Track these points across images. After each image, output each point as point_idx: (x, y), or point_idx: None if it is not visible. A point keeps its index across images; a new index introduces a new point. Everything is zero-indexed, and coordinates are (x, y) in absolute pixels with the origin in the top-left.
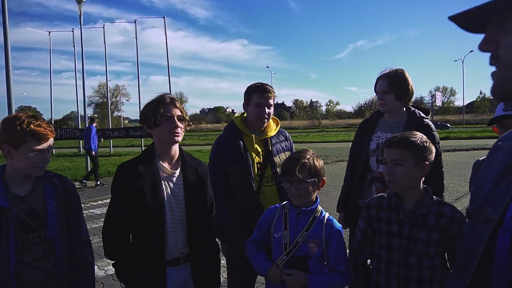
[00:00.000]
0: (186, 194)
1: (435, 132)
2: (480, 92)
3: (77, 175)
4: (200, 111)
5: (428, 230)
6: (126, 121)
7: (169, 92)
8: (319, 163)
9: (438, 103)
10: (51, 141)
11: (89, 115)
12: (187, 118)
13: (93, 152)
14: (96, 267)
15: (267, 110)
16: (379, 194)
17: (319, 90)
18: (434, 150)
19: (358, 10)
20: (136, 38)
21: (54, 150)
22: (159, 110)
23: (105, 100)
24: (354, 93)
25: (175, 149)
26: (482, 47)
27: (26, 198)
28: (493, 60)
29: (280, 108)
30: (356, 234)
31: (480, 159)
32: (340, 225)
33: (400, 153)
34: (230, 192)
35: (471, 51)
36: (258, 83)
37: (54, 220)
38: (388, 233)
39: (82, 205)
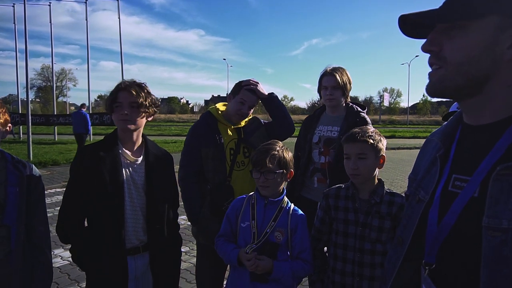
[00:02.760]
0: (147, 182)
1: (370, 125)
2: (423, 95)
3: None
4: None
5: (381, 218)
6: (72, 107)
7: (134, 79)
8: (288, 155)
9: (386, 103)
10: None
11: (31, 99)
12: (147, 103)
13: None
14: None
15: (247, 110)
16: (337, 185)
17: (274, 85)
18: (385, 142)
19: (314, 9)
20: (86, 19)
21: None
22: (114, 97)
23: (49, 84)
24: (308, 90)
25: (137, 136)
26: (426, 48)
27: None
28: (436, 60)
29: None
30: (314, 222)
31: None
32: (304, 214)
33: (363, 147)
34: (202, 175)
35: (417, 56)
36: (248, 80)
37: (13, 206)
38: (345, 221)
39: None
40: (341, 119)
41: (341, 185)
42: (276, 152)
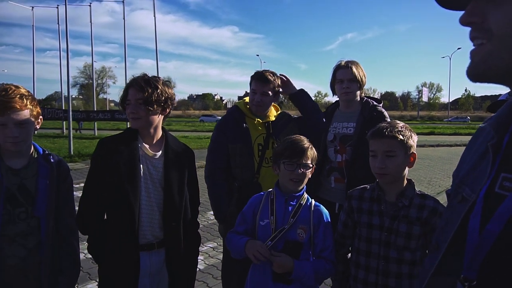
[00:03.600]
0: (165, 177)
1: (387, 119)
2: (465, 90)
3: (60, 155)
4: (188, 97)
5: (409, 223)
6: (112, 104)
7: (146, 73)
8: (314, 151)
9: (425, 98)
10: (18, 114)
11: (72, 95)
12: (154, 98)
13: None
14: None
15: (260, 97)
16: (361, 186)
17: (308, 81)
18: (416, 138)
19: (349, 3)
20: (124, 19)
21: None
22: (124, 94)
23: (91, 81)
24: None
25: (155, 131)
26: (466, 19)
27: (19, 172)
28: (479, 33)
29: None
30: (338, 226)
31: None
32: (327, 211)
33: (392, 144)
34: (229, 172)
35: (459, 48)
36: (259, 70)
37: (43, 198)
38: (369, 225)
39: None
40: (356, 115)
41: (366, 185)
42: (311, 146)
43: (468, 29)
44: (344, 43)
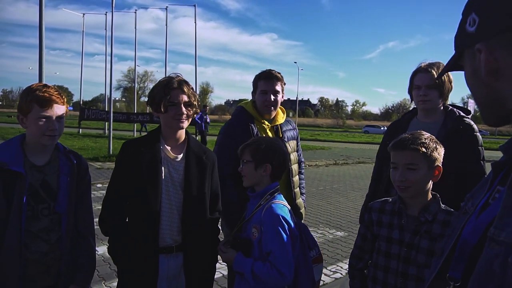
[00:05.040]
0: (186, 180)
1: (477, 134)
2: None
3: (99, 154)
4: (225, 102)
5: (432, 239)
6: None
7: (179, 74)
8: (270, 149)
9: (471, 110)
10: (59, 108)
11: (116, 98)
12: (196, 102)
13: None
14: None
15: (272, 97)
16: (383, 198)
17: (345, 90)
18: (443, 151)
19: (391, 11)
20: (166, 25)
21: (81, 130)
22: (166, 96)
23: (133, 84)
24: (382, 94)
25: (181, 133)
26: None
27: (42, 168)
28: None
29: (305, 105)
30: (356, 239)
31: None
32: (282, 213)
33: (413, 156)
34: (239, 178)
35: None
36: (265, 70)
37: (64, 195)
38: (388, 239)
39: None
40: (437, 126)
41: (388, 198)
42: (257, 146)
43: None
44: (385, 51)
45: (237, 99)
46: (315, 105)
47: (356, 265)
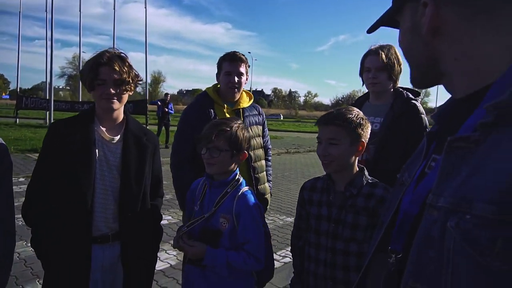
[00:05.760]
0: (123, 163)
1: (423, 115)
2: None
3: (39, 146)
4: (177, 92)
5: (356, 213)
6: None
7: (116, 49)
8: (243, 134)
9: (420, 92)
10: None
11: (60, 86)
12: (132, 79)
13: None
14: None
15: (236, 78)
16: (316, 177)
17: (298, 81)
18: (369, 126)
19: (342, 5)
20: (114, 9)
21: (18, 120)
22: (95, 73)
23: (78, 72)
24: (333, 86)
25: (118, 114)
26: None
27: None
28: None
29: (259, 95)
30: (294, 218)
31: None
32: (256, 202)
33: (335, 131)
34: (197, 163)
35: None
36: (230, 51)
37: None
38: (318, 216)
39: None
40: (386, 108)
41: (319, 176)
42: (228, 129)
43: None
44: (336, 44)
45: (191, 89)
46: (268, 95)
47: (296, 244)
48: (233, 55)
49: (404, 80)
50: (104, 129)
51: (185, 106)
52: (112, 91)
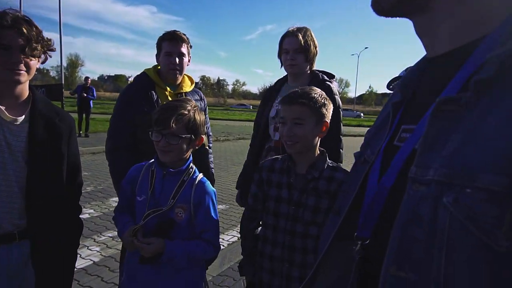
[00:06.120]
0: (30, 149)
1: (336, 96)
2: (370, 87)
3: None
4: (98, 78)
5: (318, 196)
6: None
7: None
8: (200, 117)
9: (335, 92)
10: None
11: None
12: (42, 48)
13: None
14: None
15: (177, 59)
16: (274, 157)
17: (227, 69)
18: (332, 107)
19: None
20: None
21: None
22: None
23: None
24: (260, 75)
25: (22, 89)
26: None
27: None
28: None
29: None
30: (248, 199)
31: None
32: (215, 189)
33: (301, 111)
34: (136, 149)
35: (366, 48)
36: (170, 30)
37: None
38: (277, 198)
39: None
40: None
41: (278, 156)
42: (186, 112)
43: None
44: (264, 34)
45: (113, 75)
46: (197, 83)
47: (248, 226)
48: (173, 34)
49: (319, 63)
50: (3, 107)
51: (106, 93)
52: (19, 60)
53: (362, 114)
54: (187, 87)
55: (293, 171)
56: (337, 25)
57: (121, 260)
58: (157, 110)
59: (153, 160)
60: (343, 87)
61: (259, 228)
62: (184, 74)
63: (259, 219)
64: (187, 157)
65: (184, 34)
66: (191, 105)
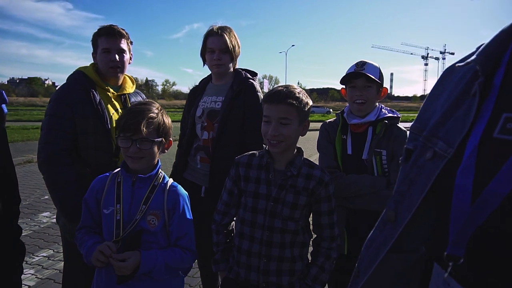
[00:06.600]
0: None
1: (259, 93)
2: (298, 83)
3: None
4: (8, 81)
5: (296, 193)
6: None
7: None
8: (168, 120)
9: (265, 89)
10: None
11: None
12: None
13: None
14: None
15: (117, 56)
16: (250, 152)
17: (155, 69)
18: (311, 103)
19: None
20: None
21: None
22: None
23: None
24: (191, 74)
25: None
26: None
27: None
28: None
29: None
30: (222, 194)
31: (328, 121)
32: (186, 192)
33: (288, 110)
34: (77, 154)
35: (293, 45)
36: (106, 25)
37: None
38: (255, 194)
39: None
40: (227, 87)
41: (255, 152)
42: (155, 115)
43: None
44: (191, 32)
45: (26, 77)
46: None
47: (221, 221)
48: (109, 28)
49: (248, 60)
50: None
51: (19, 98)
52: None
53: (331, 110)
54: (129, 88)
55: (272, 167)
56: (263, 25)
57: (64, 281)
58: (123, 115)
59: (117, 170)
60: (273, 84)
61: (233, 223)
62: (125, 74)
63: (232, 214)
64: (156, 162)
65: (123, 29)
66: (157, 108)
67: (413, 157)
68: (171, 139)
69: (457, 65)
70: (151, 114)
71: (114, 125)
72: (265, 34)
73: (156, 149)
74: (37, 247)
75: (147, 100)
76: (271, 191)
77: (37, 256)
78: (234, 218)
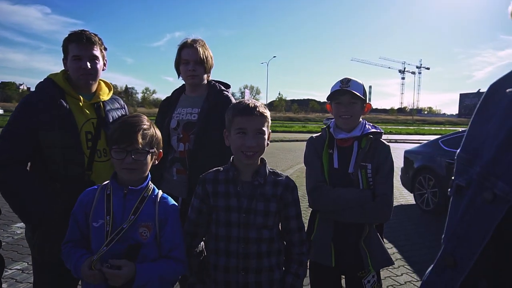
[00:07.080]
0: None
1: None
2: (279, 93)
3: None
4: None
5: (266, 201)
6: None
7: None
8: (158, 132)
9: (230, 84)
10: None
11: None
12: None
13: None
14: None
15: (89, 64)
16: (214, 169)
17: (135, 77)
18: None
19: (179, 2)
20: None
21: None
22: None
23: None
24: (171, 83)
25: None
26: None
27: None
28: None
29: None
30: (189, 215)
31: (314, 136)
32: (176, 204)
33: (262, 122)
34: (43, 167)
35: (274, 57)
36: (77, 30)
37: None
38: (227, 208)
39: None
40: (202, 99)
41: (219, 168)
42: (148, 127)
43: None
44: (172, 40)
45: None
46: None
47: (191, 243)
48: (80, 34)
49: (222, 72)
50: None
51: None
52: None
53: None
54: (105, 95)
55: (239, 179)
56: (245, 35)
57: None
58: (116, 127)
59: (106, 182)
60: (254, 94)
61: (202, 244)
62: (100, 80)
63: (202, 234)
64: (147, 174)
65: (96, 35)
66: (147, 120)
67: (467, 196)
68: (161, 150)
69: (507, 90)
70: (144, 126)
71: (86, 137)
72: (247, 44)
73: (149, 160)
74: (10, 259)
75: (136, 113)
76: (241, 203)
77: (10, 269)
78: (204, 238)
